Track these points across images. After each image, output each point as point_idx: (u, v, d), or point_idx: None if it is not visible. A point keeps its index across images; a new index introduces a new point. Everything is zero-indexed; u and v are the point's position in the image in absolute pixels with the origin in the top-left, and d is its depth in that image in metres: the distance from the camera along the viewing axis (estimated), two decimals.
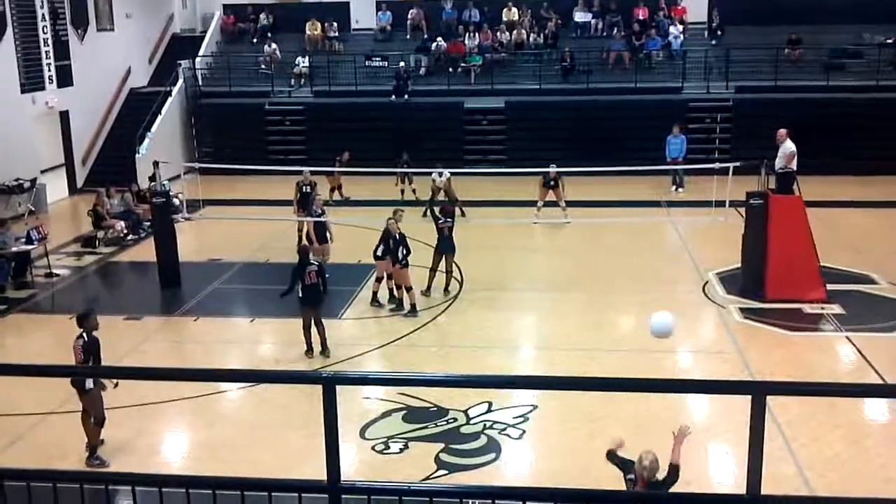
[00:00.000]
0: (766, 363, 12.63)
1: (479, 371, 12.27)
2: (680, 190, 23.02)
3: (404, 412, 11.18)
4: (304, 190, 18.68)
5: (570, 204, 19.76)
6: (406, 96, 26.88)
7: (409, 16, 29.70)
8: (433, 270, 15.51)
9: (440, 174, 20.18)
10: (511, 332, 14.39)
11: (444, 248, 15.53)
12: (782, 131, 15.83)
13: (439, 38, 28.29)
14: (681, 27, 28.23)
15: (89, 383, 10.19)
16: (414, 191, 22.07)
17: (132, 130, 25.42)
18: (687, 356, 13.36)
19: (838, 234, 18.61)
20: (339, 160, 21.80)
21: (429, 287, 15.47)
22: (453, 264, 15.72)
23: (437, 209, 16.02)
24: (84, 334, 10.37)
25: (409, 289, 14.70)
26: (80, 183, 25.39)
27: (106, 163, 25.81)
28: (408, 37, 29.54)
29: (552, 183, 19.60)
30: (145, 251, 18.25)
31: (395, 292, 15.09)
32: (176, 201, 19.75)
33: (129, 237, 19.75)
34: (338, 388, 3.82)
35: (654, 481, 7.25)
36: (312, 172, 19.22)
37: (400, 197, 21.52)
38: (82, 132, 25.64)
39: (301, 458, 10.12)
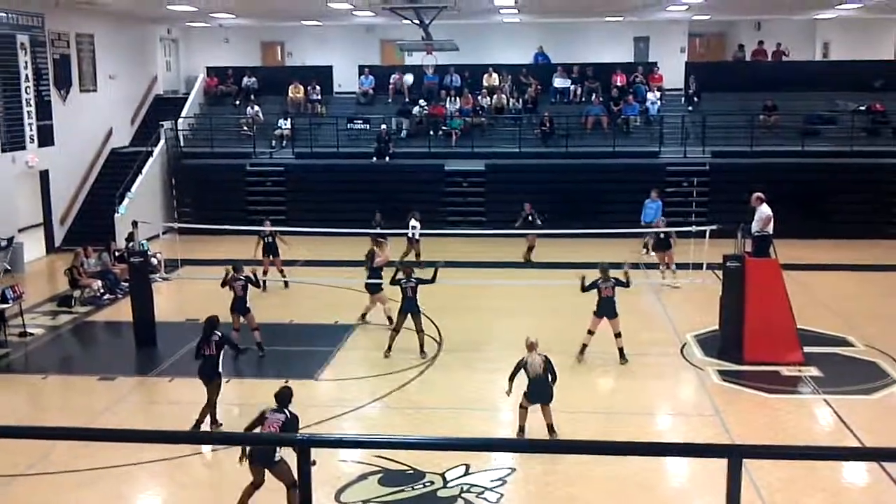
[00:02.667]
0: (745, 426, 12.60)
1: (456, 433, 12.17)
2: (653, 254, 23.12)
3: (381, 475, 11.03)
4: (266, 240, 19.71)
5: (552, 266, 19.80)
6: (388, 158, 27.07)
7: (392, 80, 30.07)
8: (395, 331, 15.44)
9: (414, 226, 20.62)
10: (489, 394, 14.27)
11: (409, 307, 15.44)
12: (756, 196, 16.03)
13: (421, 100, 28.62)
14: (658, 93, 28.73)
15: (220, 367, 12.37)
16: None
17: (112, 190, 25.40)
18: (666, 419, 13.33)
19: (815, 296, 18.75)
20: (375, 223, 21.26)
21: (389, 347, 15.37)
22: (421, 325, 15.55)
23: (399, 272, 15.79)
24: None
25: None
26: (57, 242, 25.26)
27: (84, 222, 25.74)
28: (390, 100, 29.87)
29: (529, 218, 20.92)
30: (122, 311, 18.11)
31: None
32: (154, 261, 19.70)
33: (106, 297, 19.59)
34: (313, 450, 3.77)
35: None
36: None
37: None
38: (62, 191, 25.60)
39: None
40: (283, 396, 10.18)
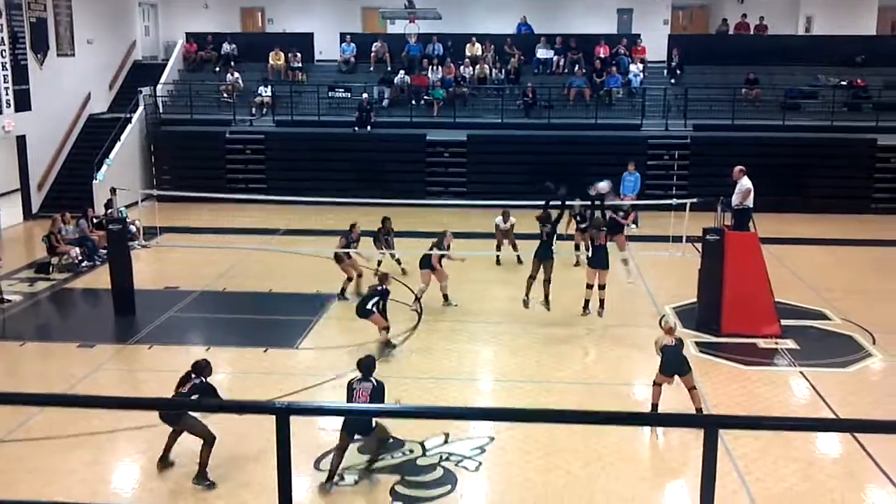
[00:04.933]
0: (722, 397, 12.72)
1: (436, 402, 12.23)
2: (633, 227, 23.18)
3: (360, 443, 11.07)
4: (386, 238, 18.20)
5: (531, 237, 19.76)
6: (369, 128, 26.94)
7: (373, 48, 29.85)
8: (532, 277, 15.73)
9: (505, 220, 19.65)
10: (470, 364, 14.35)
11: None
12: (738, 169, 16.08)
13: (402, 71, 28.44)
14: (641, 66, 28.68)
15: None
16: (398, 261, 18.88)
17: (90, 156, 25.16)
18: (644, 389, 13.39)
19: (793, 270, 18.89)
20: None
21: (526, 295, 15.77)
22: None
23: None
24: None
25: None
26: (35, 208, 25.03)
27: (62, 188, 25.50)
28: (371, 69, 29.66)
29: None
30: (100, 278, 17.99)
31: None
32: (132, 228, 19.54)
33: (84, 264, 19.46)
34: (292, 418, 3.76)
35: None
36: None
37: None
38: (39, 157, 25.32)
39: (253, 490, 9.97)
40: (368, 366, 10.36)
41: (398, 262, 18.73)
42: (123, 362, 14.36)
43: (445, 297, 16.69)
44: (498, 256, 19.75)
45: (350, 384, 10.37)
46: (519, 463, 10.78)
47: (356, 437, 10.50)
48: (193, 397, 10.23)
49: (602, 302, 15.45)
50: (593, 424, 11.77)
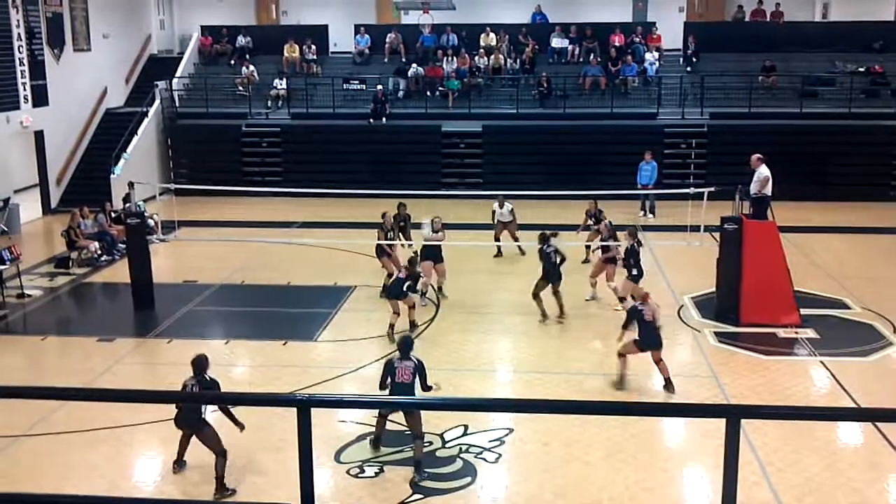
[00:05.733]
0: (741, 387, 12.67)
1: (455, 394, 12.23)
2: (650, 216, 23.15)
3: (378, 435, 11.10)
4: (400, 224, 17.77)
5: (547, 227, 19.70)
6: (384, 119, 26.93)
7: (387, 39, 29.82)
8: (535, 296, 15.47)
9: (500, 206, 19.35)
10: (488, 355, 14.35)
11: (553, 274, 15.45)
12: (756, 157, 15.99)
13: (414, 64, 28.39)
14: (656, 54, 28.52)
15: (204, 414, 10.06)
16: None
17: (107, 151, 25.28)
18: (663, 379, 13.37)
19: (812, 258, 18.79)
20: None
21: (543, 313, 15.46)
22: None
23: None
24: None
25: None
26: (54, 203, 25.18)
27: (80, 183, 25.63)
28: (386, 60, 29.63)
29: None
30: (119, 272, 18.10)
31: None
32: (151, 222, 19.64)
33: (103, 258, 19.56)
34: (313, 410, 3.78)
35: None
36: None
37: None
38: (57, 152, 25.46)
39: (275, 482, 10.01)
40: (406, 344, 10.72)
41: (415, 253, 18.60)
42: (143, 356, 14.44)
43: (440, 288, 16.59)
44: (499, 248, 19.48)
45: (391, 362, 10.56)
46: (538, 454, 10.78)
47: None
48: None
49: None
50: (613, 416, 11.77)
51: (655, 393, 12.61)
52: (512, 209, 19.29)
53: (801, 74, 26.99)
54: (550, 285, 15.33)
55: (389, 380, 10.39)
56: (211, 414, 10.26)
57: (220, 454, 9.97)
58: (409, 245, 18.27)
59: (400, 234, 17.71)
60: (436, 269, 16.45)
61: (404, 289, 14.49)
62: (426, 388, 10.45)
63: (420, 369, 10.43)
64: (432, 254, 16.38)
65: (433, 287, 16.58)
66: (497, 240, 19.46)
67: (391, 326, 14.45)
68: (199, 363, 10.19)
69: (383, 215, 16.81)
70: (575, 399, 11.73)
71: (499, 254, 19.53)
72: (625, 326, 12.74)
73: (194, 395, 10.15)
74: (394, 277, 15.10)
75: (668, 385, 12.34)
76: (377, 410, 10.87)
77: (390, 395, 10.25)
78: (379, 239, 16.48)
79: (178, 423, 10.14)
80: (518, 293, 16.92)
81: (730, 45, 28.69)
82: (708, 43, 28.76)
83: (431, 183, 24.22)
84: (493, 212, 19.43)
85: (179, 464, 10.53)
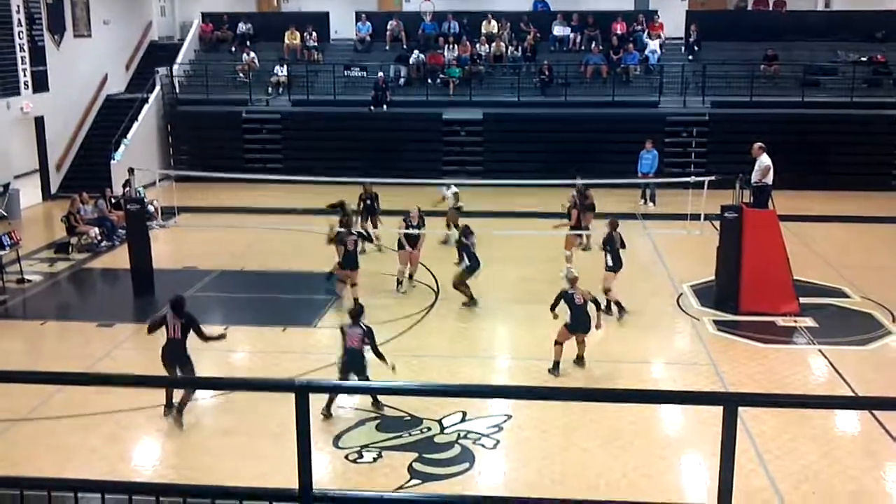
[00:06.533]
0: (740, 375, 12.69)
1: (453, 380, 12.27)
2: (650, 205, 23.13)
3: (378, 421, 11.14)
4: (366, 202, 18.74)
5: (546, 215, 19.71)
6: (385, 107, 26.89)
7: (389, 27, 29.74)
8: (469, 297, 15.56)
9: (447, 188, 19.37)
10: (487, 342, 14.38)
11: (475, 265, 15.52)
12: (757, 146, 15.97)
13: (416, 51, 28.33)
14: (658, 42, 28.44)
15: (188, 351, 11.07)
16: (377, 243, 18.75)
17: (108, 137, 25.26)
18: (662, 367, 13.42)
19: (812, 248, 18.79)
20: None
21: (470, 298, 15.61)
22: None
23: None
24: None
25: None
26: (54, 189, 25.17)
27: (81, 169, 25.63)
28: (387, 48, 29.56)
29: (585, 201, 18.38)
30: (119, 258, 18.11)
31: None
32: (151, 208, 19.65)
33: (103, 244, 19.58)
34: (311, 396, 3.79)
35: None
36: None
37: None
38: (57, 138, 25.44)
39: (273, 467, 10.03)
40: (357, 312, 11.50)
41: (374, 241, 18.51)
42: (142, 341, 14.39)
43: (411, 276, 16.56)
44: (448, 235, 18.89)
45: (342, 329, 11.37)
46: (536, 441, 10.81)
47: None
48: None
49: (618, 304, 14.93)
50: (611, 402, 11.78)
51: (648, 380, 12.65)
52: (457, 192, 19.22)
53: (803, 63, 26.93)
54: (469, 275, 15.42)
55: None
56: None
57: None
58: (375, 232, 18.28)
59: (364, 215, 18.19)
60: (411, 258, 16.48)
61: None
62: (377, 353, 11.24)
63: (369, 335, 11.21)
64: (406, 243, 16.38)
65: (407, 277, 16.60)
66: (449, 227, 19.05)
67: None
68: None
69: (408, 213, 16.74)
70: (573, 386, 11.77)
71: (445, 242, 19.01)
72: (552, 308, 12.72)
73: (191, 381, 10.18)
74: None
75: (580, 360, 12.75)
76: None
77: (342, 358, 11.17)
78: (342, 224, 16.16)
79: (164, 359, 10.97)
80: (517, 280, 16.94)
81: (732, 34, 28.62)
82: (710, 31, 28.67)
83: (432, 170, 24.19)
84: (442, 196, 19.28)
85: (169, 406, 11.22)
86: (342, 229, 15.60)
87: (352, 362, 11.10)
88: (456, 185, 20.18)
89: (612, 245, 15.00)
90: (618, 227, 15.25)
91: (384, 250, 18.43)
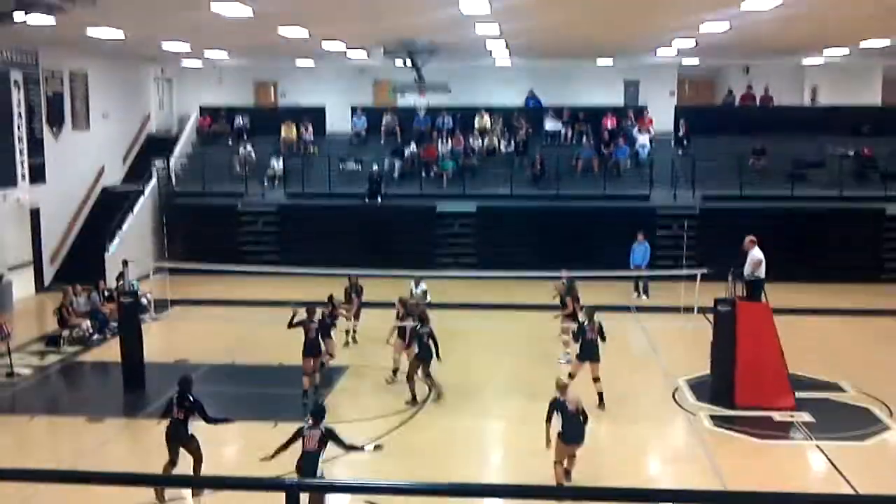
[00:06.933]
0: (738, 472, 12.51)
1: (447, 478, 12.05)
2: (644, 297, 23.14)
3: None
4: (351, 295, 18.83)
5: (539, 307, 19.70)
6: (380, 199, 27.14)
7: (384, 121, 30.24)
8: (409, 377, 15.34)
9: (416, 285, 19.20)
10: (481, 438, 14.20)
11: (424, 355, 15.33)
12: (749, 239, 16.11)
13: (412, 142, 28.76)
14: (648, 136, 28.92)
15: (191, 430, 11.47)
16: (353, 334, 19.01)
17: (103, 229, 25.35)
18: (658, 463, 13.25)
19: (806, 341, 18.74)
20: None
21: (413, 397, 15.32)
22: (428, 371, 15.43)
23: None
24: None
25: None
26: (47, 281, 25.15)
27: (75, 261, 25.63)
28: (382, 141, 30.00)
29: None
30: (110, 351, 17.96)
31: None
32: (144, 301, 19.60)
33: (95, 336, 19.46)
34: (302, 495, 3.73)
35: None
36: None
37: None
38: (53, 229, 25.54)
39: None
40: (318, 413, 10.80)
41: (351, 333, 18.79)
42: (132, 437, 14.26)
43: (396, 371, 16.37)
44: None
45: (300, 430, 10.62)
46: None
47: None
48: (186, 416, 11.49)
49: (601, 396, 14.71)
50: (607, 501, 11.56)
51: (644, 477, 12.45)
52: (426, 290, 19.09)
53: (791, 157, 27.35)
54: (422, 366, 15.24)
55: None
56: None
57: (201, 461, 11.47)
58: (356, 324, 18.33)
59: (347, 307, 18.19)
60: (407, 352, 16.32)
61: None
62: (347, 448, 10.78)
63: (330, 437, 10.48)
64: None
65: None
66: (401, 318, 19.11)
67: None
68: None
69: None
70: (564, 485, 11.58)
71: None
72: (547, 420, 11.76)
73: (181, 480, 10.01)
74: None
75: (567, 476, 11.78)
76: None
77: (298, 461, 10.46)
78: (330, 315, 16.59)
79: (168, 437, 11.19)
80: (511, 374, 16.83)
81: (720, 128, 29.14)
82: (699, 126, 29.22)
83: (426, 263, 24.29)
84: (410, 290, 19.14)
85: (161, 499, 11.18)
86: (304, 316, 15.51)
87: (307, 467, 10.29)
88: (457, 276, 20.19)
89: (584, 335, 14.91)
90: (593, 316, 15.14)
91: (358, 341, 18.49)
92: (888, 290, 24.01)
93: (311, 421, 10.69)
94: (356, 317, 18.84)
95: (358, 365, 17.24)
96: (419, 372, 15.29)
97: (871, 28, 20.92)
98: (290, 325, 15.53)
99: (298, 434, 10.56)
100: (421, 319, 15.61)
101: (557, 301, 18.41)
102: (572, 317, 17.30)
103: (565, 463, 11.81)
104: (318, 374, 15.67)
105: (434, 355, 15.33)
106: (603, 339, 14.96)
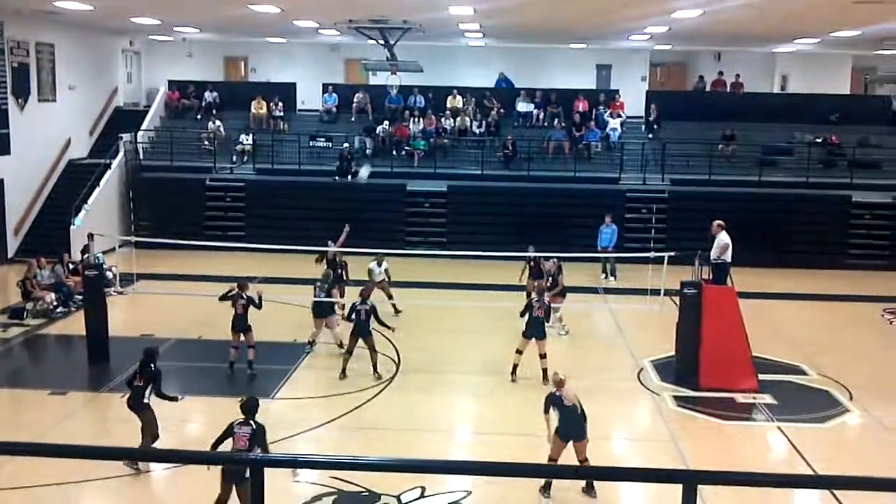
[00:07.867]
0: (700, 452, 12.67)
1: (413, 455, 12.09)
2: (611, 279, 23.31)
3: (335, 497, 10.92)
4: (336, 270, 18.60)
5: (507, 288, 19.76)
6: (350, 177, 27.02)
7: (355, 99, 30.07)
8: (349, 353, 15.33)
9: (379, 265, 19.24)
10: (447, 416, 14.25)
11: (361, 330, 15.34)
12: (717, 223, 16.21)
13: (386, 122, 28.64)
14: (619, 120, 29.02)
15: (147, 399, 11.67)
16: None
17: (68, 201, 25.03)
18: (622, 443, 13.37)
19: (770, 325, 18.97)
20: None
21: (343, 371, 15.26)
22: (374, 347, 15.48)
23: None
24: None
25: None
26: (11, 253, 24.81)
27: (39, 233, 25.32)
28: (353, 119, 29.84)
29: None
30: (75, 324, 17.79)
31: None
32: (109, 274, 19.40)
33: (59, 310, 19.24)
34: (267, 470, 3.72)
35: None
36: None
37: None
38: (17, 201, 25.18)
39: None
40: (249, 408, 10.17)
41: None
42: (96, 410, 14.14)
43: (340, 343, 16.30)
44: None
45: (231, 427, 10.04)
46: None
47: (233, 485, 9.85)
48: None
49: (545, 372, 14.78)
50: (570, 479, 11.67)
51: (608, 456, 12.57)
52: (387, 269, 19.17)
53: (759, 143, 27.58)
54: (362, 340, 15.32)
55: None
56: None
57: (153, 437, 11.58)
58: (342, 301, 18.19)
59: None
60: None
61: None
62: (265, 452, 9.93)
63: (259, 435, 9.90)
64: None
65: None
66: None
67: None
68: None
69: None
70: (531, 462, 11.64)
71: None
72: (546, 412, 11.32)
73: (148, 454, 9.94)
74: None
75: (590, 489, 11.22)
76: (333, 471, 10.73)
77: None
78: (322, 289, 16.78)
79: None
80: (480, 352, 16.89)
81: (691, 114, 29.32)
82: (669, 111, 29.38)
83: (396, 241, 24.25)
84: (370, 269, 19.16)
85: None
86: (235, 291, 15.54)
87: (235, 469, 9.57)
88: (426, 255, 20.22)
89: (530, 311, 15.09)
90: (543, 295, 15.34)
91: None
92: (852, 276, 24.34)
93: (242, 416, 10.11)
94: (341, 294, 18.62)
95: (321, 341, 17.17)
96: (363, 346, 15.31)
97: (842, 19, 21.09)
98: (222, 297, 15.68)
99: (229, 431, 10.01)
100: (362, 297, 15.62)
101: (524, 282, 18.63)
102: (562, 294, 17.68)
103: (577, 456, 11.15)
104: (253, 350, 15.52)
105: (369, 330, 15.33)
106: (547, 319, 15.24)
